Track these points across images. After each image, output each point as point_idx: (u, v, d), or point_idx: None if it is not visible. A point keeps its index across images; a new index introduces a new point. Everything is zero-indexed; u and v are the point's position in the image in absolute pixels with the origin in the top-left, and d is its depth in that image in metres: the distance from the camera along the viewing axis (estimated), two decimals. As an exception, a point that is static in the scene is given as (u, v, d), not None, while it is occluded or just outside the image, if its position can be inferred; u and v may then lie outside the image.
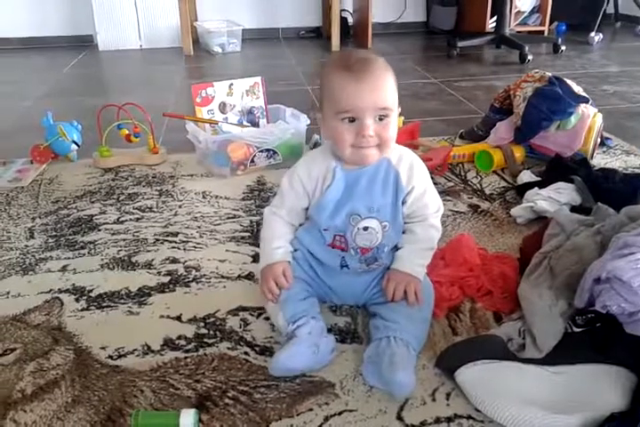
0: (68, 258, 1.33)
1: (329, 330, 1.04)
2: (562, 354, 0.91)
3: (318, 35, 4.19)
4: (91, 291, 1.20)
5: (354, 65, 0.94)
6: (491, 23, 3.77)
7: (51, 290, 1.21)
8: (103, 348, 1.03)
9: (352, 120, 0.95)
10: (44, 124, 1.88)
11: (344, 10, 4.10)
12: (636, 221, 1.02)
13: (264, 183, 1.71)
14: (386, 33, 4.21)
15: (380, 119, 0.95)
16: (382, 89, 0.95)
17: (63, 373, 0.97)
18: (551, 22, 4.00)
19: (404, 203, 1.04)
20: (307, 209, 1.09)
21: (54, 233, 1.45)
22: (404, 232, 1.08)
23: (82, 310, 1.15)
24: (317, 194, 1.05)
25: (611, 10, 4.10)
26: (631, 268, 0.83)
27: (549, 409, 0.83)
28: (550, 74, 1.79)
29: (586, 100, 1.73)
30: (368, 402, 0.90)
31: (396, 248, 1.08)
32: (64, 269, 1.29)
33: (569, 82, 1.77)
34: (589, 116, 1.70)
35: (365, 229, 1.03)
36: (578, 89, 1.77)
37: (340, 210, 1.03)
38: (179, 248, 1.37)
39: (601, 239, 1.03)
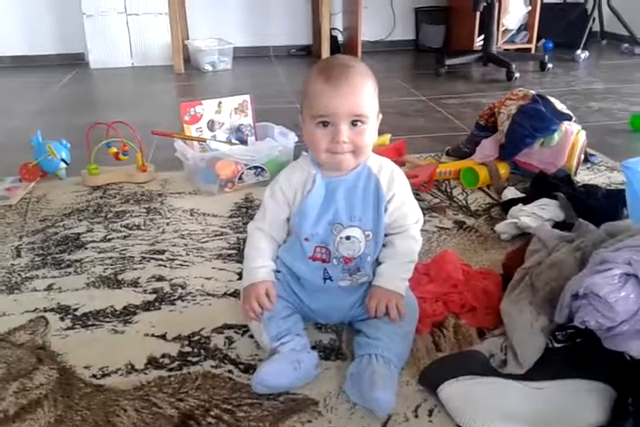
0: (54, 277, 1.33)
1: (313, 347, 1.04)
2: (543, 370, 0.92)
3: (309, 53, 4.23)
4: (76, 310, 1.20)
5: (333, 70, 0.96)
6: (478, 41, 3.83)
7: (36, 309, 1.21)
8: (87, 367, 1.03)
9: (326, 124, 0.96)
10: (33, 142, 1.89)
11: (334, 28, 4.15)
12: (614, 237, 1.03)
13: (252, 200, 1.72)
14: (375, 51, 4.26)
15: (355, 125, 0.96)
16: (359, 96, 0.96)
17: (46, 392, 0.97)
18: (538, 40, 4.06)
19: (385, 211, 1.04)
20: (288, 220, 1.08)
21: (41, 252, 1.45)
22: (384, 245, 1.07)
23: (66, 329, 1.14)
24: (298, 201, 1.05)
25: (597, 28, 4.16)
26: (607, 283, 0.84)
27: (530, 425, 0.84)
28: (534, 92, 1.82)
29: (569, 118, 1.75)
30: (351, 419, 0.90)
31: (377, 262, 1.08)
32: (50, 287, 1.29)
33: (552, 100, 1.80)
34: (572, 133, 1.72)
35: (348, 238, 1.03)
36: (561, 106, 1.79)
37: (322, 218, 1.03)
38: (165, 266, 1.37)
39: (581, 255, 1.04)
